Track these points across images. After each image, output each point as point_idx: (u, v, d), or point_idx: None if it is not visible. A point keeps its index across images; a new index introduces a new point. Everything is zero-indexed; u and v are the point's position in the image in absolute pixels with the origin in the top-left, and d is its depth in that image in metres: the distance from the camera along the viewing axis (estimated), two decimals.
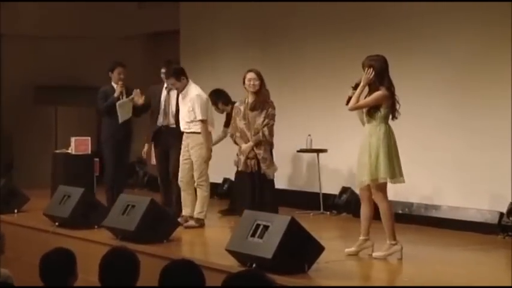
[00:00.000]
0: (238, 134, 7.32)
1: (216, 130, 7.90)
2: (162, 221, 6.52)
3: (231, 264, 5.31)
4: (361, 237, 5.83)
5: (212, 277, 4.25)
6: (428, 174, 7.68)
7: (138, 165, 11.08)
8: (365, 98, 5.73)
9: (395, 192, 7.63)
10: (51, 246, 3.88)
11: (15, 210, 8.38)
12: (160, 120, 7.72)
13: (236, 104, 7.46)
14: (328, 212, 8.53)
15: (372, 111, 5.70)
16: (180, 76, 7.27)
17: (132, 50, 11.91)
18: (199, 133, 7.19)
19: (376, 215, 5.79)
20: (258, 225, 5.29)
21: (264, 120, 7.15)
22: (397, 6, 8.00)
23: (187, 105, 7.23)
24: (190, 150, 7.23)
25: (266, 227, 5.23)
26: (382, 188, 5.69)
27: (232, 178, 8.59)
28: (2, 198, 8.38)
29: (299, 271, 5.06)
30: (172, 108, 7.66)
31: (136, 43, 12.22)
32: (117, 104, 8.09)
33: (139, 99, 8.07)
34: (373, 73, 5.68)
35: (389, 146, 5.66)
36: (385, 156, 5.61)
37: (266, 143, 7.17)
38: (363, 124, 5.81)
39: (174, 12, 11.01)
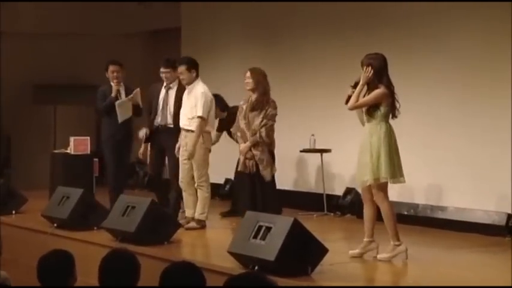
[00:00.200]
0: (239, 134, 7.34)
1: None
2: (162, 222, 6.54)
3: (233, 266, 5.33)
4: (366, 239, 5.84)
5: (213, 279, 4.26)
6: (433, 175, 7.70)
7: (139, 166, 11.09)
8: (364, 96, 5.75)
9: (400, 193, 7.67)
10: (49, 248, 3.89)
11: (13, 211, 8.38)
12: (158, 120, 7.69)
13: (240, 103, 7.47)
14: (332, 213, 8.54)
15: (371, 110, 5.71)
16: (191, 67, 7.27)
17: (132, 47, 11.94)
18: None
19: (379, 215, 5.81)
20: (260, 227, 5.30)
21: (262, 121, 7.13)
22: (397, 5, 8.04)
23: (191, 101, 7.24)
24: (189, 150, 7.22)
25: (268, 229, 5.24)
26: (383, 188, 5.71)
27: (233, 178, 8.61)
28: (0, 199, 8.39)
29: (302, 273, 5.07)
30: (171, 108, 7.62)
31: (137, 41, 12.24)
32: (116, 103, 8.09)
33: (139, 99, 8.08)
34: (372, 71, 5.70)
35: (390, 145, 5.67)
36: (386, 156, 5.63)
37: (264, 144, 7.13)
38: (363, 124, 5.83)
39: (174, 10, 11.03)
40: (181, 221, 7.21)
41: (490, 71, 7.23)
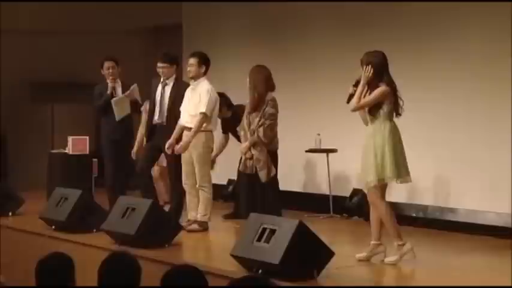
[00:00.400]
0: (242, 133, 7.38)
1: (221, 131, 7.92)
2: (163, 224, 6.54)
3: (236, 270, 5.33)
4: (373, 242, 5.85)
5: (216, 283, 4.29)
6: (444, 175, 7.69)
7: None
8: (364, 95, 5.74)
9: (408, 194, 7.67)
10: (47, 251, 3.90)
11: (10, 213, 8.39)
12: (156, 118, 7.56)
13: (247, 101, 7.48)
14: (338, 216, 8.54)
15: (374, 109, 5.72)
16: (202, 62, 7.26)
17: (132, 44, 11.95)
18: (201, 131, 7.18)
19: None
20: (264, 229, 5.31)
21: (259, 120, 7.13)
22: (401, 4, 8.10)
23: (196, 98, 7.21)
24: (191, 150, 7.22)
25: (273, 231, 5.25)
26: (382, 188, 5.73)
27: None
28: None
29: (308, 277, 5.08)
30: (166, 105, 7.50)
31: (137, 37, 12.26)
32: (112, 101, 8.10)
33: (137, 95, 8.07)
34: (372, 71, 5.70)
35: (395, 143, 5.68)
36: (390, 155, 5.63)
37: (262, 144, 7.13)
38: (366, 123, 5.83)
39: (175, 5, 11.04)
40: (183, 224, 7.21)
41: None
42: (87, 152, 9.23)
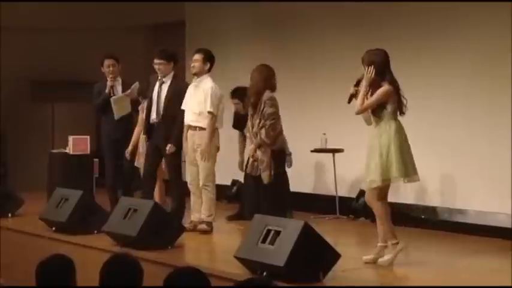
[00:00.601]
0: (248, 135, 7.39)
1: (226, 130, 7.89)
2: (166, 225, 6.55)
3: (240, 272, 5.34)
4: (379, 244, 5.85)
5: (219, 286, 4.29)
6: (448, 173, 7.70)
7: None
8: (366, 96, 5.75)
9: (417, 194, 7.67)
10: (47, 252, 3.91)
11: (9, 214, 8.42)
12: (153, 117, 7.50)
13: None
14: (344, 217, 8.55)
15: (377, 110, 5.72)
16: (207, 59, 7.27)
17: (133, 42, 11.97)
18: (205, 129, 7.20)
19: (393, 219, 5.83)
20: (269, 231, 5.32)
21: (259, 122, 7.12)
22: (404, 2, 8.14)
23: (199, 95, 7.22)
24: (197, 149, 7.22)
25: (278, 233, 5.26)
26: (382, 188, 5.74)
27: (242, 180, 8.63)
28: None
29: (313, 280, 5.08)
30: (162, 103, 7.45)
31: (138, 35, 12.27)
32: (112, 99, 8.10)
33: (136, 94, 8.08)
34: (374, 71, 5.70)
35: (401, 142, 5.69)
36: (396, 153, 5.64)
37: (266, 145, 7.12)
38: (368, 124, 5.84)
39: (176, 3, 11.05)
40: (185, 225, 7.22)
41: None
42: (88, 152, 9.24)
